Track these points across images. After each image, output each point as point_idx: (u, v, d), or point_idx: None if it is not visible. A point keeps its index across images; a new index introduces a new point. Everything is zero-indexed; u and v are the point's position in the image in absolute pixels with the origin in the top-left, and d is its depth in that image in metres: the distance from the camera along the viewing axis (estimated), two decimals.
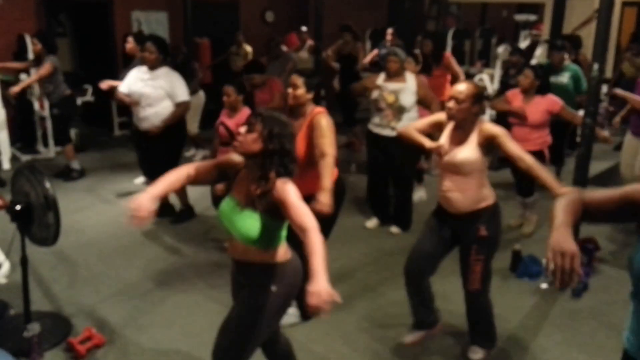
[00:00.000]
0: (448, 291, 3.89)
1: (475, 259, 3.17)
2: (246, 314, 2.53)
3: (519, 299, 4.18)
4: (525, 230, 5.31)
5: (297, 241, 2.40)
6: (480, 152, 3.12)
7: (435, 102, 5.10)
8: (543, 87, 5.04)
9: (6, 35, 8.01)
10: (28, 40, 7.52)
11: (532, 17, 10.37)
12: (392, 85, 5.06)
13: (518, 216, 5.49)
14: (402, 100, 5.03)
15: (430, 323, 3.60)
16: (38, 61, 6.57)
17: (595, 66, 4.05)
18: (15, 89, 6.59)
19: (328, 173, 3.42)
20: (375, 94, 5.12)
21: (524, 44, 9.78)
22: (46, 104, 6.90)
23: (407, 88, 5.05)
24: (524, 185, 5.16)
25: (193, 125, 7.59)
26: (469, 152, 3.13)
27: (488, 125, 3.14)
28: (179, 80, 5.27)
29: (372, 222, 5.59)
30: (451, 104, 3.12)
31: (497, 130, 3.10)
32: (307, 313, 3.64)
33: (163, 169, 5.31)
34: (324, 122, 3.52)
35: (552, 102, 4.99)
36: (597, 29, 4.08)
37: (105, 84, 5.84)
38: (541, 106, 4.98)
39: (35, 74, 6.51)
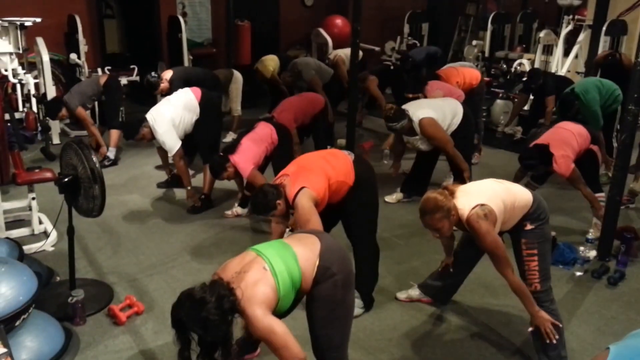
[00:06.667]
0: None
1: (528, 253, 3.14)
2: (328, 311, 2.59)
3: (554, 286, 4.14)
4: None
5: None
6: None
7: (447, 145, 5.16)
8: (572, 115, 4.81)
9: (57, 16, 8.21)
10: (78, 20, 7.72)
11: (576, 2, 10.13)
12: (410, 138, 5.29)
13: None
14: (421, 146, 5.28)
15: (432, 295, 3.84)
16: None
17: None
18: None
19: None
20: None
21: (566, 29, 9.58)
22: None
23: (420, 137, 5.20)
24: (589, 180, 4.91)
25: (236, 107, 7.69)
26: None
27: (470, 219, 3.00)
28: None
29: (391, 197, 5.64)
30: (434, 235, 3.11)
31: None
32: (369, 304, 3.78)
33: (205, 152, 5.45)
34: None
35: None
36: None
37: None
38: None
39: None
